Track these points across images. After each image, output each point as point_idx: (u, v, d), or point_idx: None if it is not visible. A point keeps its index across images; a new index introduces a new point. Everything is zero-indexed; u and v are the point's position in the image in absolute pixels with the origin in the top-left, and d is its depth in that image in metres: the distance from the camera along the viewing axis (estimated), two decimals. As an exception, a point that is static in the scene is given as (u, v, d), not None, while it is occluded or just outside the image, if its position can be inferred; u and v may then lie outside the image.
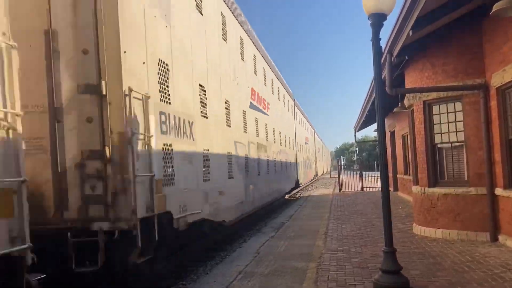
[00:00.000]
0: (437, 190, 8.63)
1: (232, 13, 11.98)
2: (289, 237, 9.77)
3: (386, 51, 8.45)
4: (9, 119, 4.17)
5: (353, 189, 24.01)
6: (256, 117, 14.54)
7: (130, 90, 5.73)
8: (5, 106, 4.13)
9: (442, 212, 8.52)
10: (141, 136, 5.99)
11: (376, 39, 5.52)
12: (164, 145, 6.76)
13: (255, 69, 14.96)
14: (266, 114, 16.60)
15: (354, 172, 36.36)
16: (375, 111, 5.76)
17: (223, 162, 10.23)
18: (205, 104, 9.02)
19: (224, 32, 10.96)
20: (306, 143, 36.59)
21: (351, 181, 25.18)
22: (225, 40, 11.04)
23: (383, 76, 8.65)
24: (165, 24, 7.12)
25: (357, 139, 33.08)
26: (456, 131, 8.48)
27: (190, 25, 8.39)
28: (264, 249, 8.54)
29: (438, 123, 8.75)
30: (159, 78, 6.81)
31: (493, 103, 7.63)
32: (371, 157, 68.56)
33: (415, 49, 8.78)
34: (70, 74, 5.63)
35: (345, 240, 8.90)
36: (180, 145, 7.41)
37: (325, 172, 71.36)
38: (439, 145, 8.80)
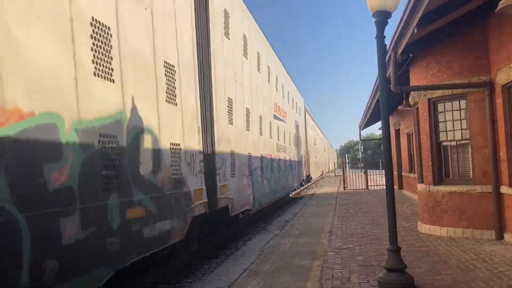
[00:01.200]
0: (442, 188, 8.60)
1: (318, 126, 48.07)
2: (294, 235, 9.79)
3: (390, 49, 8.42)
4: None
5: (357, 187, 24.00)
6: (315, 148, 40.62)
7: (308, 151, 33.87)
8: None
9: (447, 210, 8.50)
10: (304, 157, 29.89)
11: (380, 36, 5.52)
12: (312, 159, 38.54)
13: (309, 134, 35.94)
14: (315, 144, 41.57)
15: (359, 170, 36.38)
16: (380, 109, 5.75)
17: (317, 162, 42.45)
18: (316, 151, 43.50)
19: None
20: (324, 151, 61.00)
21: (355, 179, 25.19)
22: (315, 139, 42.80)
23: (387, 74, 8.64)
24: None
25: (362, 137, 33.10)
26: (461, 129, 8.45)
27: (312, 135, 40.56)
28: (268, 247, 8.56)
29: (443, 121, 8.72)
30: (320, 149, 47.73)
31: (499, 101, 7.59)
32: (376, 155, 68.66)
33: (420, 47, 8.74)
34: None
35: (350, 238, 8.90)
36: (310, 158, 35.26)
37: (331, 169, 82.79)
38: (444, 143, 8.77)
